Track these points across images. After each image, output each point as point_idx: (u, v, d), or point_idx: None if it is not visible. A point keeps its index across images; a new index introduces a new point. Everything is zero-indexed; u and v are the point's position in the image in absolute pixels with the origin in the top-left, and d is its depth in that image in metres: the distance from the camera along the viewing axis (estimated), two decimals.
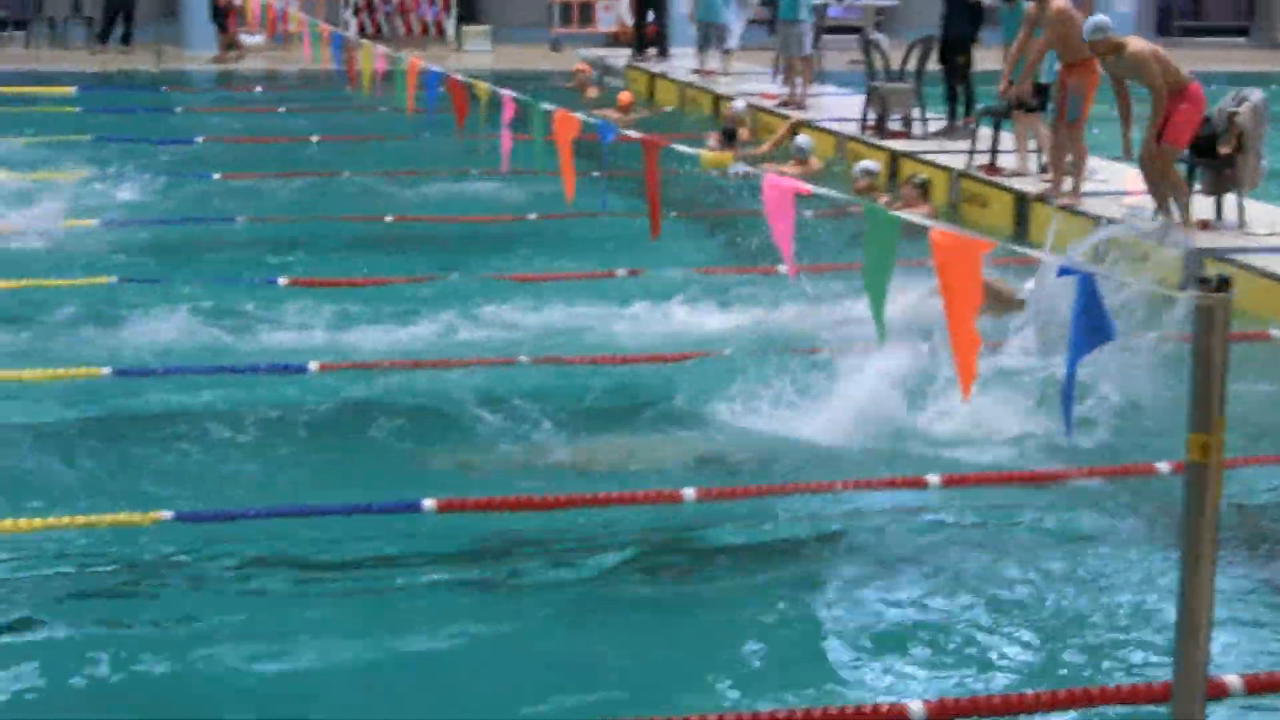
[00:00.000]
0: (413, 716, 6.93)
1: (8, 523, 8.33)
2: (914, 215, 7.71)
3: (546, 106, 12.63)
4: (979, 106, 18.95)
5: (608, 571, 8.45)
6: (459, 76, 15.67)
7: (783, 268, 11.92)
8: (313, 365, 11.36)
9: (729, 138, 21.11)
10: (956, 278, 5.92)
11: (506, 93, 13.34)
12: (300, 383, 11.22)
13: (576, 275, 14.02)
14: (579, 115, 12.15)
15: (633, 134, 11.85)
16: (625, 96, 24.50)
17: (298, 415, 10.62)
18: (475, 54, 33.79)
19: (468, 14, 35.85)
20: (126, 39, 32.45)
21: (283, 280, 13.73)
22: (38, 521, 8.36)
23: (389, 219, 16.85)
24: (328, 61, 23.20)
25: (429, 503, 8.81)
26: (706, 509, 9.05)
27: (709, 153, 14.80)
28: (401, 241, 15.93)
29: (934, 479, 9.27)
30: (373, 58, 19.96)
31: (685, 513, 8.99)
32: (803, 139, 19.72)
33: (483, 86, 14.91)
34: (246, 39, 33.08)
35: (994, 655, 7.45)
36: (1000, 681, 7.16)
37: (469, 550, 8.68)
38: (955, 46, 19.92)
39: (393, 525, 8.78)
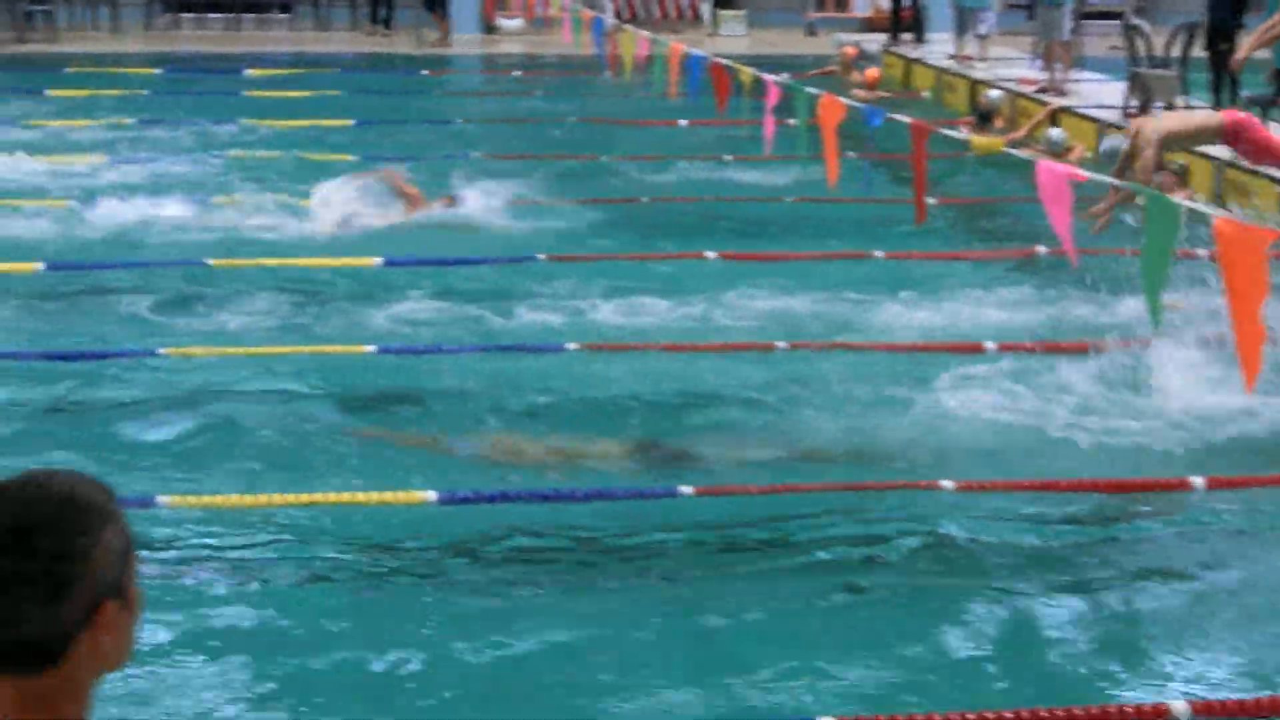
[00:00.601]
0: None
1: (276, 497, 8.53)
2: (1195, 203, 7.53)
3: (812, 91, 12.58)
4: (1244, 94, 18.44)
5: (865, 560, 8.39)
6: (722, 61, 15.67)
7: (1042, 249, 11.72)
8: (571, 345, 11.44)
9: (984, 123, 20.82)
10: (1241, 268, 5.75)
11: (770, 77, 13.31)
12: (558, 361, 11.31)
13: (833, 255, 13.95)
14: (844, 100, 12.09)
15: (901, 118, 11.75)
16: (873, 73, 24.31)
17: (555, 395, 10.71)
18: (730, 38, 33.79)
19: None
20: (387, 22, 33.03)
21: (541, 256, 13.88)
22: (304, 497, 8.54)
23: (645, 200, 16.91)
24: (588, 46, 23.33)
25: (686, 488, 8.82)
26: (963, 499, 8.93)
27: (980, 138, 14.61)
28: (658, 223, 15.95)
29: (1198, 481, 8.98)
30: (635, 42, 20.05)
31: (942, 502, 8.88)
32: (1056, 132, 19.32)
33: (746, 71, 14.90)
34: (505, 23, 33.47)
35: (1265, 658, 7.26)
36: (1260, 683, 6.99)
37: (727, 534, 8.68)
38: (1220, 33, 19.43)
39: (649, 510, 8.80)
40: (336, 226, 14.85)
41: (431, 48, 31.48)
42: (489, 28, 33.04)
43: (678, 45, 17.38)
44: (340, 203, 15.13)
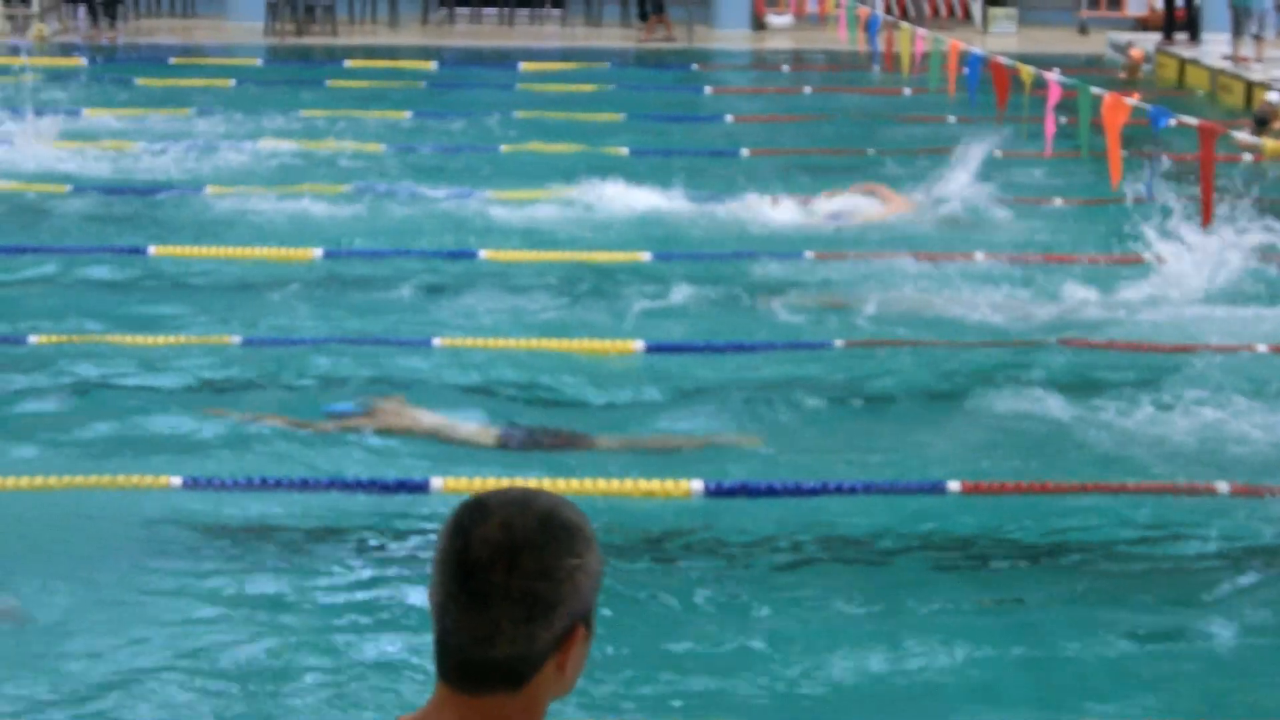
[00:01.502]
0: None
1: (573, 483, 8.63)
2: None
3: (1096, 91, 12.35)
4: None
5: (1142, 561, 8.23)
6: (1002, 59, 15.45)
7: None
8: (838, 342, 11.39)
9: (1261, 126, 20.22)
10: None
11: (1053, 76, 13.10)
12: (824, 359, 11.26)
13: (1101, 259, 13.70)
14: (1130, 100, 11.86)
15: (1190, 120, 11.49)
16: (1137, 53, 23.71)
17: (821, 392, 10.66)
18: (1000, 36, 33.32)
19: None
20: (645, 16, 33.03)
21: (809, 254, 13.84)
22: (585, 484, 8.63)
23: (919, 198, 16.68)
24: (862, 43, 23.17)
25: (954, 484, 8.74)
26: (1240, 504, 8.72)
27: (1273, 142, 14.21)
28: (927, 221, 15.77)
29: None
30: (912, 39, 19.87)
31: (1221, 506, 8.68)
32: None
33: (1026, 70, 14.66)
34: (775, 19, 33.42)
35: None
36: None
37: (992, 535, 8.57)
38: None
39: (910, 505, 8.73)
40: (827, 218, 14.93)
41: (661, 42, 31.51)
42: (758, 24, 33.00)
43: (955, 42, 17.16)
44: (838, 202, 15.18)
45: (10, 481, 8.60)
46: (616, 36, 32.39)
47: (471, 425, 9.79)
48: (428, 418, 9.83)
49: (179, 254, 13.61)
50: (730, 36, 32.64)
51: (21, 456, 9.14)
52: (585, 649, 2.64)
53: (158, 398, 10.16)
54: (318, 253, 13.63)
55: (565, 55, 29.24)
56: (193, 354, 10.81)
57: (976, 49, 16.61)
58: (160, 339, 11.10)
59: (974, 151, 15.65)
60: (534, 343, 11.45)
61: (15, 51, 27.10)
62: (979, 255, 13.82)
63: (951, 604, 7.69)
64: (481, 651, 2.57)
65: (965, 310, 12.40)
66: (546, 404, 10.47)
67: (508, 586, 2.55)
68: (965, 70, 16.92)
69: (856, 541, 8.47)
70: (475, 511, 2.61)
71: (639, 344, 11.38)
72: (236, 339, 11.10)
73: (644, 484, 8.76)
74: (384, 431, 9.68)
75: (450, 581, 2.58)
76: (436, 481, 8.71)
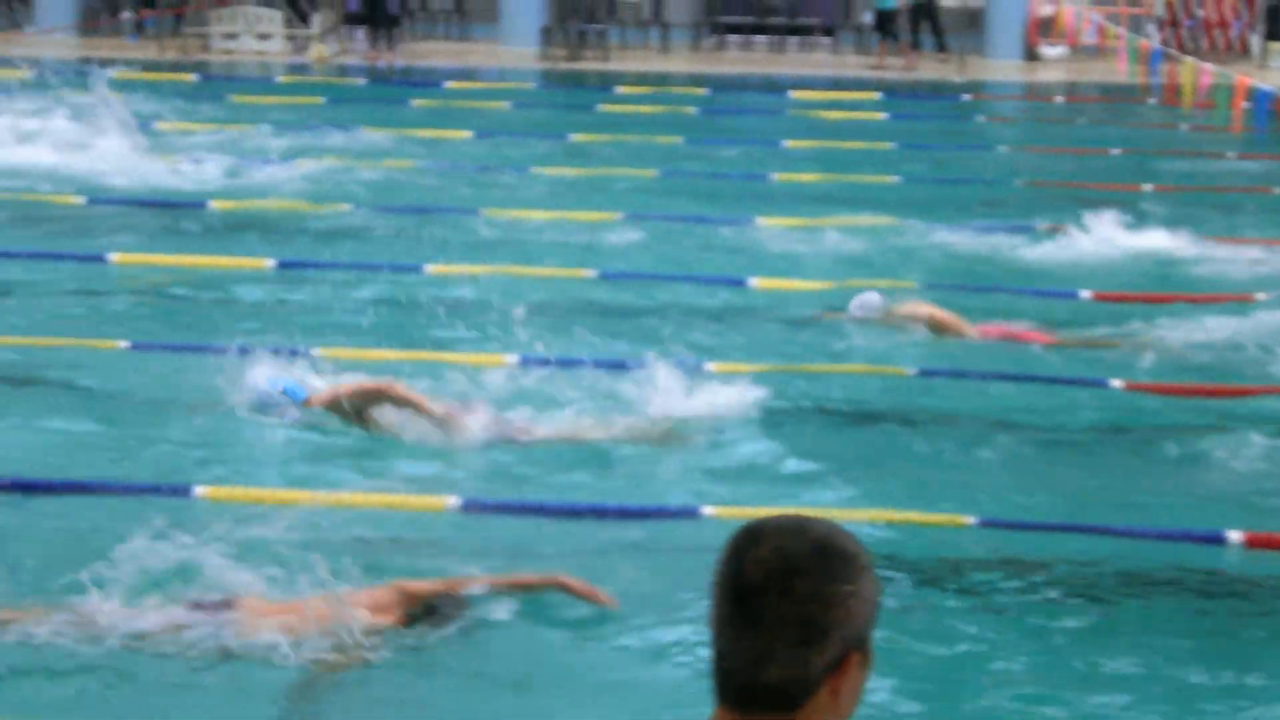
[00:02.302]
0: None
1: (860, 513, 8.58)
2: None
3: None
4: None
5: None
6: None
7: None
8: (1115, 382, 11.20)
9: None
10: None
11: None
12: (1107, 399, 11.06)
13: None
14: None
15: None
16: None
17: (1104, 431, 10.48)
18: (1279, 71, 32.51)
19: (1275, 30, 34.45)
20: (941, 48, 32.81)
21: (1085, 293, 13.62)
22: (858, 513, 8.58)
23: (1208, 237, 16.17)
24: (1142, 75, 22.73)
25: (1235, 535, 8.53)
26: None
27: None
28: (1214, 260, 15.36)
29: None
30: (1196, 73, 19.45)
31: None
32: None
33: None
34: (1048, 50, 32.99)
35: None
36: None
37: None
38: None
39: (1189, 555, 8.53)
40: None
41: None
42: (1031, 55, 32.61)
43: (1243, 78, 16.75)
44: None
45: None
46: (887, 66, 32.19)
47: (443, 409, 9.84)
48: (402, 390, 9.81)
49: (454, 272, 13.83)
50: (1003, 67, 32.28)
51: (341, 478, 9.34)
52: (862, 676, 2.65)
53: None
54: (590, 273, 13.76)
55: (835, 84, 29.18)
56: (465, 373, 10.94)
57: (1263, 84, 16.19)
58: (440, 355, 11.29)
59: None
60: (806, 367, 11.42)
61: (297, 72, 27.90)
62: (1259, 296, 13.48)
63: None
64: (755, 674, 2.60)
65: (1243, 354, 12.09)
66: (821, 431, 10.42)
67: (780, 611, 2.59)
68: (1250, 105, 16.51)
69: (1129, 581, 8.30)
70: (751, 536, 2.66)
71: (912, 370, 11.33)
72: (513, 358, 11.23)
73: (923, 515, 8.69)
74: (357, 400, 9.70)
75: (725, 604, 2.63)
76: (708, 509, 8.73)
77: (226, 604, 7.17)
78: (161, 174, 18.56)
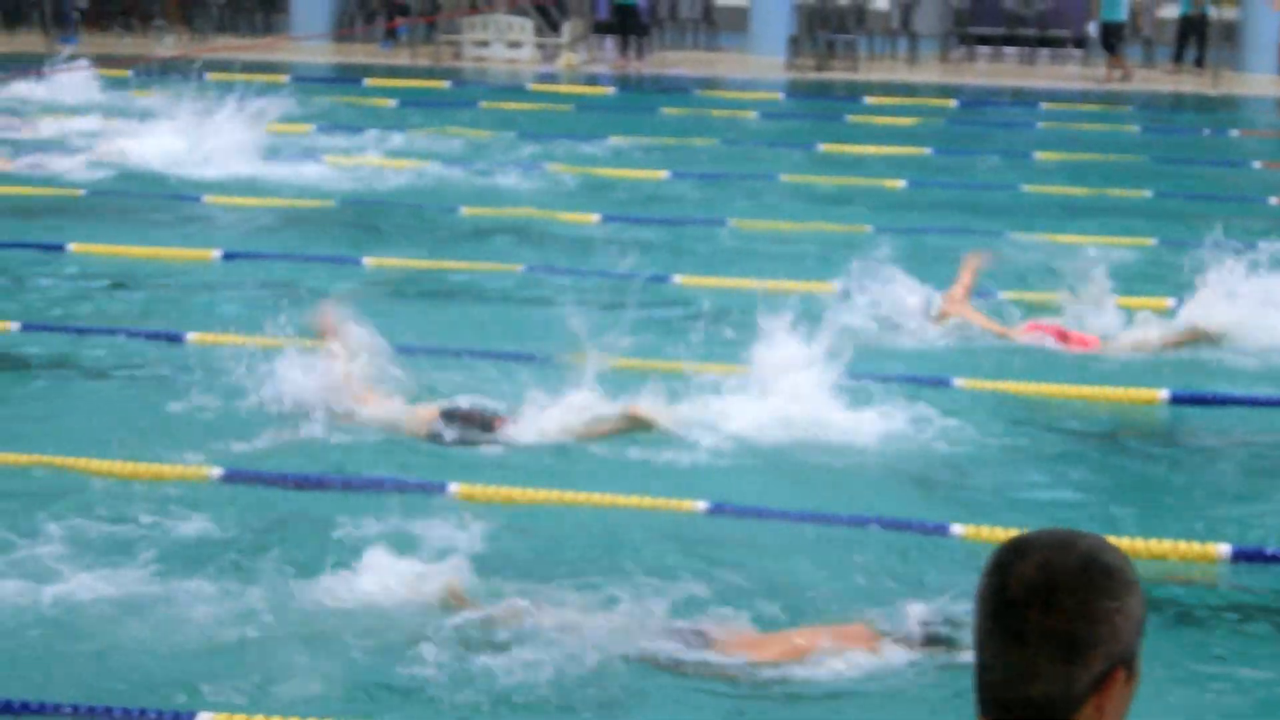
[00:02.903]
0: None
1: None
2: None
3: None
4: None
5: None
6: None
7: None
8: None
9: None
10: None
11: None
12: None
13: None
14: None
15: None
16: None
17: None
18: None
19: None
20: (1199, 61, 32.12)
21: None
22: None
23: None
24: None
25: None
26: None
27: None
28: None
29: None
30: None
31: None
32: None
33: None
34: None
35: None
36: None
37: None
38: None
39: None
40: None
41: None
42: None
43: None
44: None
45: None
46: (1140, 78, 31.62)
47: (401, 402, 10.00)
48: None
49: (701, 284, 13.84)
50: (1258, 81, 31.51)
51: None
52: (1128, 693, 2.62)
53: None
54: (837, 286, 13.67)
55: (1085, 96, 28.72)
56: (706, 381, 10.94)
57: None
58: (682, 364, 11.29)
59: None
60: (1059, 389, 11.25)
61: (547, 80, 28.21)
62: None
63: None
64: (1018, 689, 2.58)
65: None
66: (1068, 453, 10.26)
67: (1044, 626, 2.57)
68: None
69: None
70: (1015, 551, 2.64)
71: (1164, 393, 11.09)
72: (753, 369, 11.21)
73: (1169, 545, 8.49)
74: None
75: (988, 618, 2.62)
76: (957, 528, 8.62)
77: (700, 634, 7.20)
78: (412, 178, 18.89)
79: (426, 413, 10.05)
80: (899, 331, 12.47)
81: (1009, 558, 2.64)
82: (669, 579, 7.82)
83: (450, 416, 9.96)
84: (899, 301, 12.76)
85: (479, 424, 9.97)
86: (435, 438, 9.88)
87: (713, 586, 7.77)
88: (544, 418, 10.04)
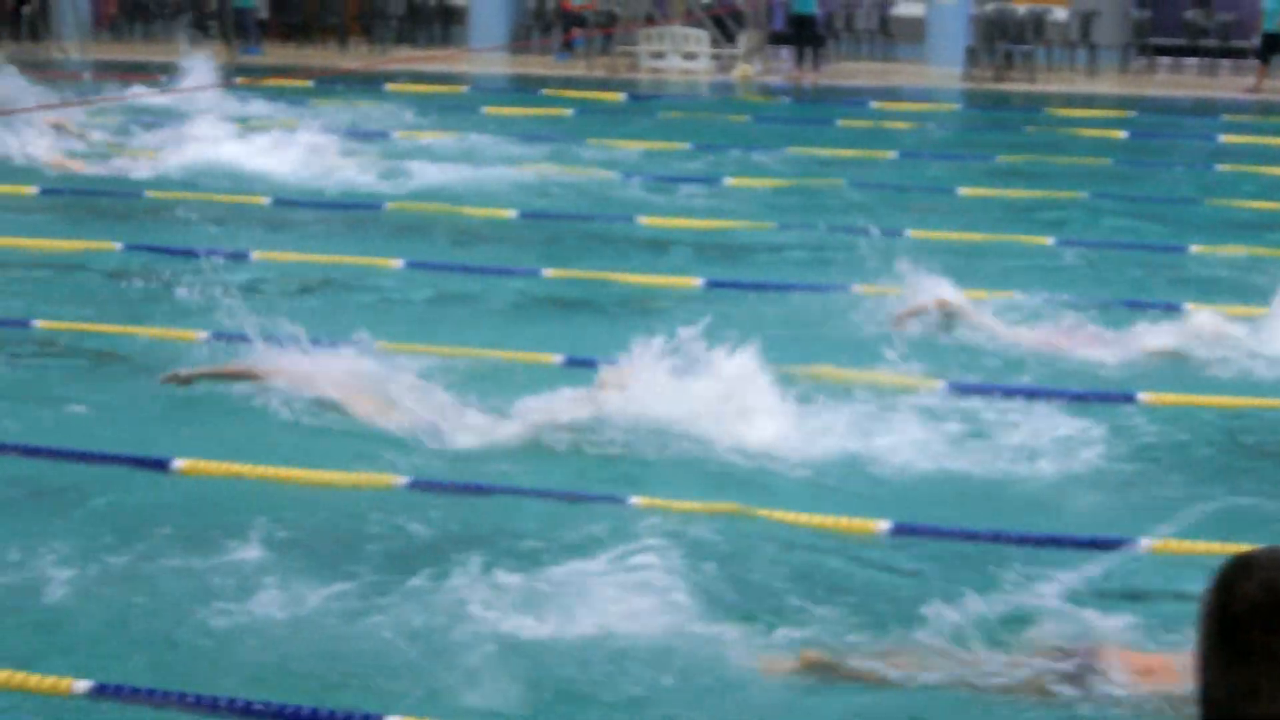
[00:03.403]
0: None
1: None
2: None
3: None
4: None
5: None
6: None
7: None
8: None
9: None
10: None
11: None
12: None
13: None
14: None
15: None
16: None
17: None
18: None
19: None
20: None
21: None
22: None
23: None
24: None
25: None
26: None
27: None
28: None
29: None
30: None
31: None
32: None
33: None
34: None
35: None
36: None
37: None
38: None
39: None
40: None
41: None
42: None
43: None
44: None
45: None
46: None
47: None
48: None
49: (881, 293, 13.76)
50: None
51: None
52: None
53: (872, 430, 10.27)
54: (1020, 297, 13.54)
55: (1265, 109, 28.22)
56: (892, 394, 10.88)
57: None
58: (865, 374, 11.26)
59: None
60: (1250, 401, 11.07)
61: (723, 91, 28.24)
62: None
63: None
64: (1241, 709, 2.55)
65: None
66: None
67: (1267, 645, 2.53)
68: None
69: None
70: (1240, 568, 2.61)
71: None
72: (941, 384, 11.13)
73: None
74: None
75: (1210, 636, 2.60)
76: (1145, 542, 8.49)
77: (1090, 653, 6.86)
78: (589, 189, 19.01)
79: None
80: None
81: (1233, 575, 2.61)
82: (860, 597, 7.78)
83: None
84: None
85: None
86: None
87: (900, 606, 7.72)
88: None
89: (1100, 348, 12.10)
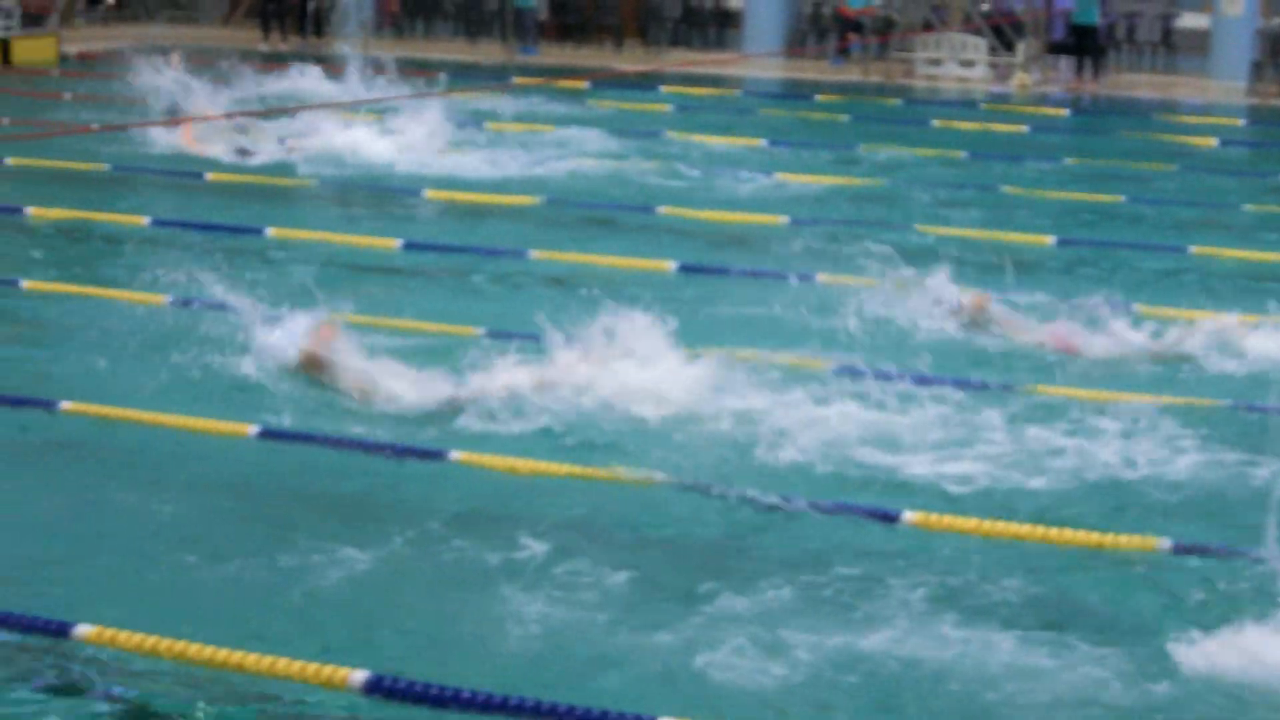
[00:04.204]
0: None
1: None
2: None
3: None
4: None
5: None
6: None
7: None
8: None
9: None
10: None
11: None
12: None
13: None
14: None
15: None
16: None
17: None
18: None
19: None
20: None
21: None
22: None
23: None
24: None
25: None
26: None
27: None
28: None
29: None
30: None
31: None
32: None
33: None
34: None
35: None
36: None
37: None
38: None
39: None
40: None
41: None
42: None
43: None
44: None
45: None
46: None
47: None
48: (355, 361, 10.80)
49: (1162, 314, 13.40)
50: None
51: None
52: None
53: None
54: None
55: None
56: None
57: None
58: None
59: None
60: None
61: (1000, 100, 27.87)
62: None
63: None
64: None
65: None
66: None
67: None
68: None
69: None
70: None
71: None
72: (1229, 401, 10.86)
73: None
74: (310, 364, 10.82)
75: None
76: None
77: None
78: (864, 195, 18.89)
79: None
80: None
81: None
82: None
83: None
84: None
85: None
86: None
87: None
88: None
89: None
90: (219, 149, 20.63)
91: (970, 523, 8.89)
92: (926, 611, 7.74)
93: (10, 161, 20.07)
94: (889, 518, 8.93)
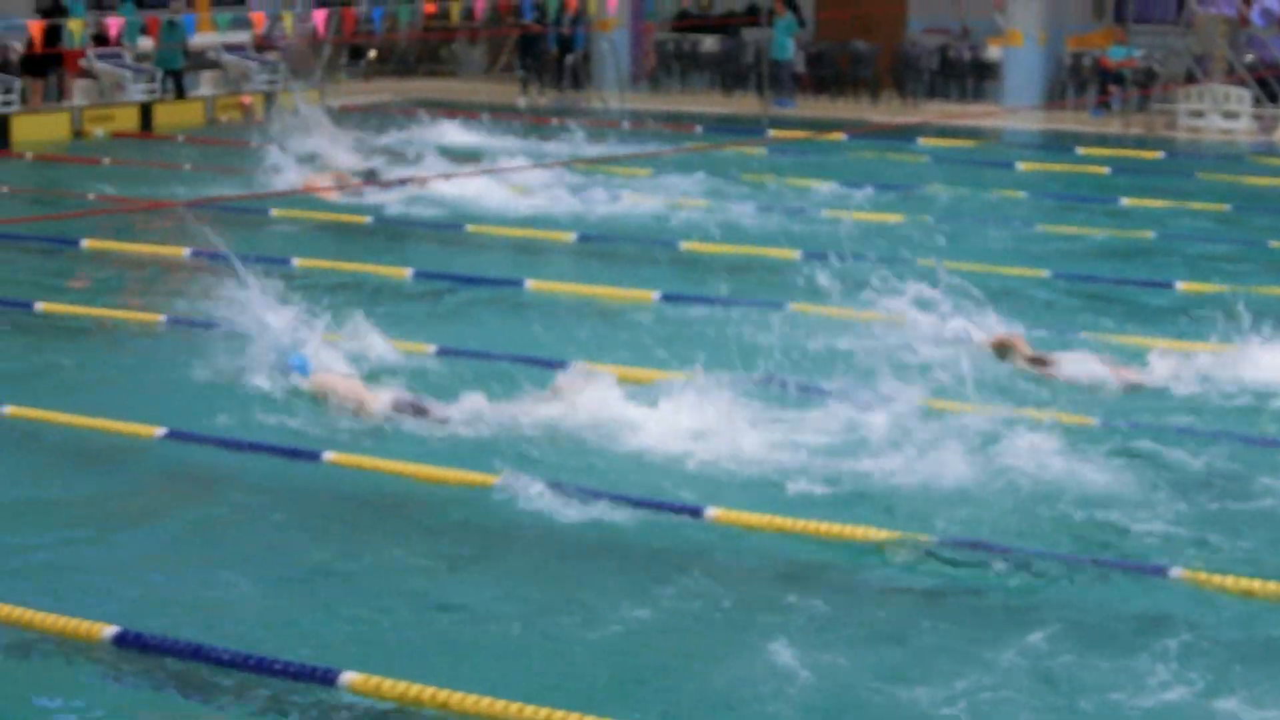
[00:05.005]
0: None
1: None
2: None
3: None
4: None
5: None
6: None
7: None
8: None
9: None
10: None
11: None
12: None
13: None
14: None
15: None
16: None
17: None
18: None
19: None
20: None
21: None
22: None
23: None
24: None
25: None
26: None
27: None
28: None
29: None
30: None
31: None
32: None
33: None
34: None
35: None
36: None
37: None
38: None
39: None
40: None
41: None
42: None
43: None
44: None
45: None
46: None
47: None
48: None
49: None
50: None
51: None
52: None
53: None
54: None
55: None
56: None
57: None
58: None
59: None
60: None
61: (1265, 152, 27.26)
62: None
63: None
64: None
65: None
66: None
67: None
68: None
69: None
70: None
71: None
72: None
73: None
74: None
75: None
76: None
77: None
78: (1127, 250, 18.60)
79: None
80: None
81: None
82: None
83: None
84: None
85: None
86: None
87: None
88: None
89: None
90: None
91: None
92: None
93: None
94: None
